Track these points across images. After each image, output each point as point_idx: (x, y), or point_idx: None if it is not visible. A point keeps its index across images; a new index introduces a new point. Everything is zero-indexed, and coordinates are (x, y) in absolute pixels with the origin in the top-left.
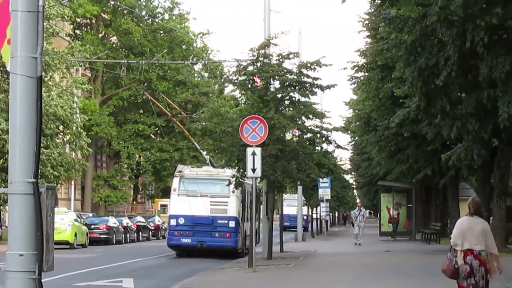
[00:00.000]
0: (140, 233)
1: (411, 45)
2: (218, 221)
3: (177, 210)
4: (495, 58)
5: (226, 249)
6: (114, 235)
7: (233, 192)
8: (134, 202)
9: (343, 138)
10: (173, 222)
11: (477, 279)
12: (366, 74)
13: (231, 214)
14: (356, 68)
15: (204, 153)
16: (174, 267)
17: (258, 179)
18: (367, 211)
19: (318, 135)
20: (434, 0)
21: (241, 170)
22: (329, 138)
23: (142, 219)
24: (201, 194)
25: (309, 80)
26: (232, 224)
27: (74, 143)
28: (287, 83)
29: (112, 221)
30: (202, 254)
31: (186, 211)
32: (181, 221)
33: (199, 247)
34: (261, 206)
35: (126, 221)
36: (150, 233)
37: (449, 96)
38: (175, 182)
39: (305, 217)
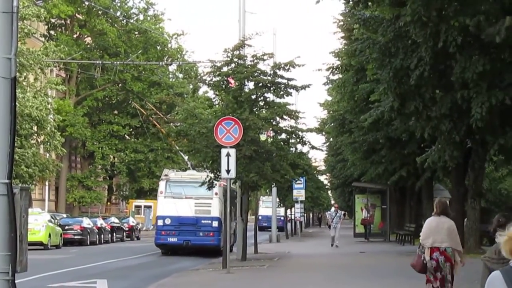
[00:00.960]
0: (114, 234)
1: (385, 46)
2: (202, 221)
3: (164, 211)
4: (468, 59)
5: (210, 247)
6: (88, 236)
7: (216, 194)
8: (109, 203)
9: (318, 139)
10: (160, 222)
11: (443, 274)
12: (341, 75)
13: (214, 214)
14: (331, 69)
15: (186, 157)
16: (148, 268)
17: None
18: (343, 212)
19: (293, 135)
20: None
21: (215, 171)
22: (304, 139)
23: (116, 220)
24: (186, 196)
25: (284, 81)
26: (215, 224)
27: (48, 143)
28: (262, 84)
29: (86, 222)
30: (187, 252)
31: (172, 212)
32: (168, 221)
33: (184, 246)
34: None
35: (100, 222)
36: (124, 234)
37: (422, 97)
38: (162, 185)
39: (282, 218)
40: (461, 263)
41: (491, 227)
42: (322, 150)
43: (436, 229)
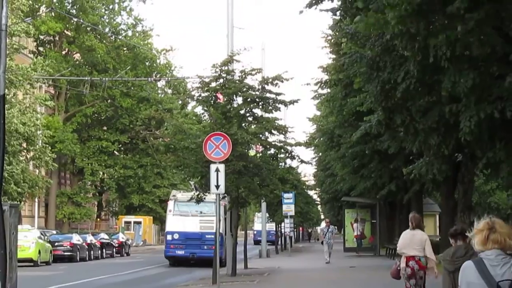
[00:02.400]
0: (104, 250)
1: (372, 60)
2: (206, 236)
3: (172, 227)
4: (458, 73)
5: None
6: (78, 252)
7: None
8: (98, 219)
9: (307, 154)
10: (169, 237)
11: (417, 279)
12: (329, 90)
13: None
14: (320, 84)
15: (193, 182)
16: (138, 284)
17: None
18: (335, 227)
19: (282, 150)
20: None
21: (204, 187)
22: (293, 153)
23: (106, 236)
24: (191, 214)
25: (272, 95)
26: (220, 238)
27: (40, 158)
28: (250, 99)
29: (76, 238)
30: (192, 264)
31: (180, 228)
32: (176, 236)
33: (191, 258)
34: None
35: (90, 238)
36: (114, 250)
37: (410, 110)
38: (170, 205)
39: (274, 232)
40: (435, 274)
41: (450, 235)
42: (311, 164)
43: (412, 241)
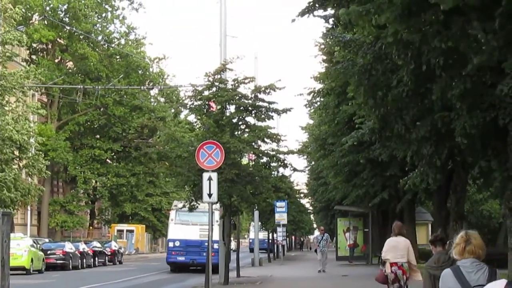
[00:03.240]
0: (97, 258)
1: (364, 67)
2: (205, 244)
3: (174, 235)
4: (450, 81)
5: (212, 265)
6: (70, 261)
7: (217, 221)
8: (91, 228)
9: (300, 163)
10: (171, 244)
11: (401, 283)
12: (322, 99)
13: (215, 238)
14: (313, 94)
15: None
16: None
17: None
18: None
19: (274, 158)
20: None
21: (197, 195)
22: (285, 161)
23: (99, 245)
24: (192, 223)
25: (265, 104)
26: (216, 246)
27: (33, 166)
28: (243, 107)
29: (69, 247)
30: (192, 270)
31: (181, 236)
32: (177, 243)
33: (191, 263)
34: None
35: (82, 246)
36: (107, 258)
37: (403, 119)
38: (172, 214)
39: (269, 241)
40: (418, 277)
41: (430, 242)
42: (304, 172)
43: (395, 247)
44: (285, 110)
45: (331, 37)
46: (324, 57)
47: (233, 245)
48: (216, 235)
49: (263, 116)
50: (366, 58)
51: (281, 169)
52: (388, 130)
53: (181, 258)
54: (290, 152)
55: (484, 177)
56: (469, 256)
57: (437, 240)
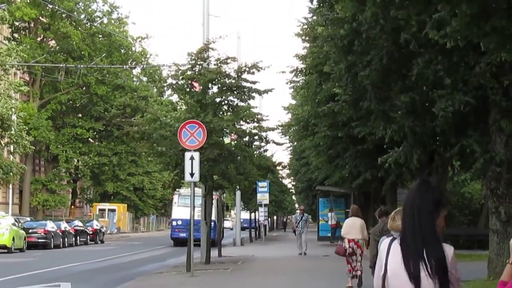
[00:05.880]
0: (78, 237)
1: (341, 41)
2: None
3: (177, 215)
4: (429, 60)
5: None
6: (52, 240)
7: (213, 204)
8: (72, 207)
9: (282, 142)
10: (174, 223)
11: (357, 257)
12: (305, 78)
13: (212, 218)
14: (295, 72)
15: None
16: (112, 272)
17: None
18: (309, 216)
19: (256, 136)
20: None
21: (179, 174)
22: (267, 138)
23: (80, 224)
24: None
25: (248, 84)
26: (212, 224)
27: (17, 143)
28: (226, 87)
29: (50, 226)
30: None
31: (182, 216)
32: (179, 222)
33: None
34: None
35: (64, 225)
36: (88, 237)
37: (378, 96)
38: (175, 198)
39: (250, 221)
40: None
41: (377, 214)
42: (282, 145)
43: (352, 226)
44: (267, 91)
45: (316, 15)
46: (307, 37)
47: (230, 224)
48: (212, 215)
49: (245, 96)
50: (344, 30)
51: (262, 145)
52: (362, 105)
53: (183, 235)
54: (271, 128)
55: (465, 158)
56: (396, 230)
57: (382, 214)
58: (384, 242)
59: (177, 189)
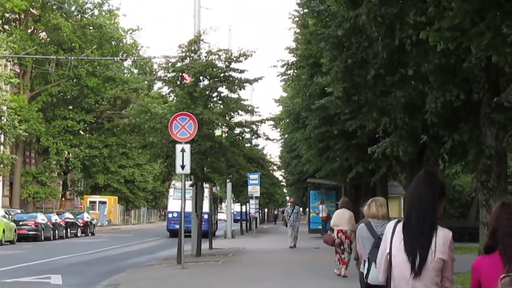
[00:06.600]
0: (69, 229)
1: (338, 39)
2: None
3: (173, 208)
4: (424, 54)
5: (203, 231)
6: (42, 232)
7: (206, 197)
8: (63, 199)
9: (273, 135)
10: (170, 215)
11: (345, 247)
12: (296, 71)
13: (205, 210)
14: (286, 65)
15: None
16: (103, 264)
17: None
18: (300, 208)
19: (247, 129)
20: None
21: (170, 167)
22: (258, 132)
23: (71, 216)
24: (186, 198)
25: (237, 75)
26: (205, 216)
27: (11, 132)
28: (216, 78)
29: (41, 218)
30: (186, 236)
31: (178, 209)
32: (175, 215)
33: (185, 230)
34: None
35: (54, 217)
36: (79, 229)
37: (374, 91)
38: (171, 191)
39: (241, 213)
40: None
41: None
42: (274, 140)
43: (341, 218)
44: (256, 79)
45: (306, 7)
46: (298, 30)
47: (225, 216)
48: (206, 208)
49: (235, 86)
50: (340, 30)
51: (254, 140)
52: (356, 99)
53: (178, 226)
54: (262, 121)
55: (456, 151)
56: (373, 216)
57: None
58: (390, 223)
59: (173, 183)
